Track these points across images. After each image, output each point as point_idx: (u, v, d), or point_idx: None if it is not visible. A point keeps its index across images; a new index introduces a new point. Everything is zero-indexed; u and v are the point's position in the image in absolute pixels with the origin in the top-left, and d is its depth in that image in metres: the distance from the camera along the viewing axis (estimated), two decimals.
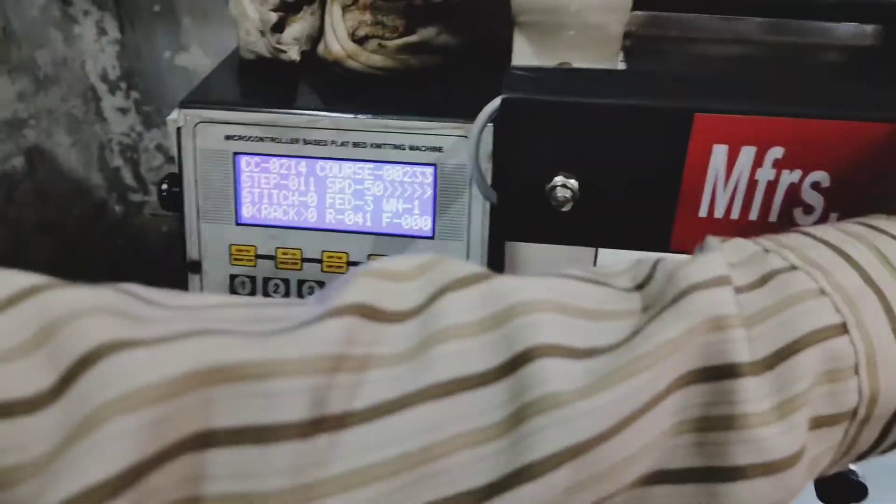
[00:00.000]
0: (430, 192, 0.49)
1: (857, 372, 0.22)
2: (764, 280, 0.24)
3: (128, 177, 1.58)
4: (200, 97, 0.50)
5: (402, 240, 0.50)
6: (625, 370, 0.21)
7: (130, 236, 1.62)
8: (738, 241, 0.26)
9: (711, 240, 0.26)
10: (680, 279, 0.23)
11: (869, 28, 0.45)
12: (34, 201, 1.34)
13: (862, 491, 0.45)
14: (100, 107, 1.49)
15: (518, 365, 0.20)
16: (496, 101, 0.34)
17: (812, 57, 0.45)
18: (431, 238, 0.49)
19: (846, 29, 0.45)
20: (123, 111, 1.49)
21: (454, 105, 0.49)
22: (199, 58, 1.39)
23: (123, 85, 1.46)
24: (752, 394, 0.21)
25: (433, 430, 0.19)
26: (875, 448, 0.25)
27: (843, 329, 0.22)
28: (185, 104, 0.49)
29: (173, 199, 0.52)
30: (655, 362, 0.21)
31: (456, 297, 0.22)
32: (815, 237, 0.26)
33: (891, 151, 0.31)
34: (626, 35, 0.45)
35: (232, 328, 0.20)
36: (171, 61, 1.41)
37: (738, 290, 0.23)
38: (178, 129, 0.49)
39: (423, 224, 0.49)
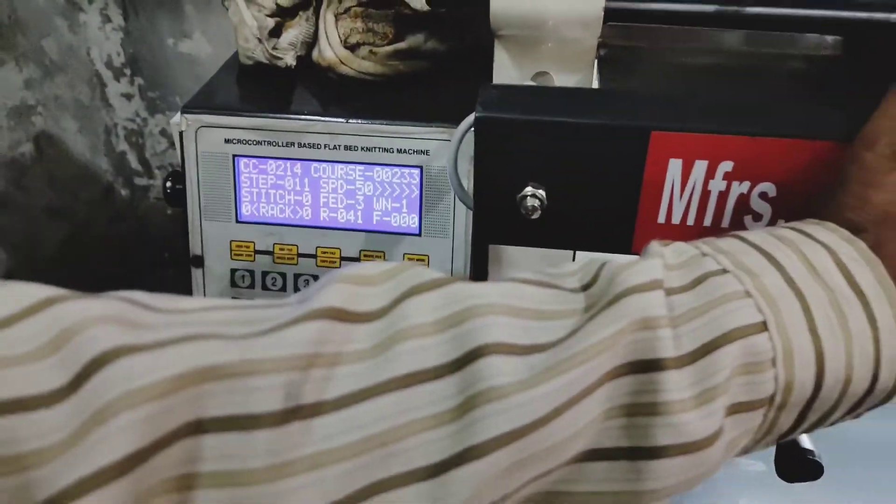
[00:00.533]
0: (416, 192, 0.52)
1: (774, 364, 0.26)
2: (697, 282, 0.27)
3: (133, 161, 1.61)
4: (201, 102, 0.53)
5: (390, 237, 0.53)
6: (561, 365, 0.24)
7: (137, 219, 1.65)
8: (680, 245, 0.29)
9: (654, 245, 0.29)
10: (618, 283, 0.26)
11: (830, 39, 0.48)
12: (43, 186, 1.38)
13: (818, 469, 0.48)
14: (105, 93, 1.51)
15: (468, 361, 0.24)
16: (471, 118, 0.37)
17: (777, 66, 0.48)
18: (418, 235, 0.53)
19: (810, 39, 0.48)
20: (128, 97, 1.52)
21: (440, 110, 0.52)
22: (201, 45, 1.42)
23: (128, 71, 1.49)
24: (675, 384, 0.24)
25: (393, 417, 0.23)
26: (794, 430, 0.28)
27: (763, 327, 0.26)
28: (187, 109, 0.52)
29: (177, 195, 0.55)
30: (589, 358, 0.24)
31: (418, 300, 0.25)
32: (748, 242, 0.29)
33: (827, 166, 0.34)
34: (601, 45, 0.48)
35: (220, 331, 0.23)
36: (174, 48, 1.44)
37: (673, 292, 0.27)
38: (181, 133, 0.52)
39: (410, 222, 0.53)
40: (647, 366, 0.25)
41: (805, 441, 0.49)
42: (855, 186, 0.31)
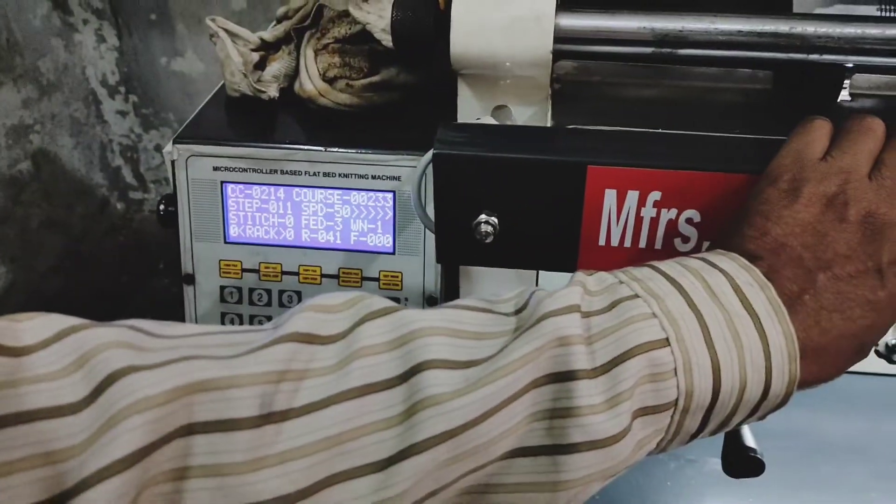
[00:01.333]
0: (390, 214, 0.57)
1: (675, 374, 0.30)
2: (612, 305, 0.32)
3: (128, 176, 1.66)
4: (191, 133, 0.58)
5: (367, 255, 0.57)
6: (490, 377, 0.29)
7: (132, 230, 1.70)
8: (601, 275, 0.34)
9: (578, 274, 0.34)
10: (540, 309, 0.31)
11: (761, 73, 0.52)
12: (41, 201, 1.42)
13: (760, 466, 0.53)
14: (100, 110, 1.56)
15: (412, 374, 0.29)
16: (430, 154, 0.42)
17: (713, 97, 0.53)
18: (392, 254, 0.57)
19: (743, 72, 0.53)
20: (123, 114, 1.57)
21: (411, 139, 0.56)
22: (193, 62, 1.46)
23: (122, 89, 1.53)
24: (587, 392, 0.29)
25: (349, 421, 0.28)
26: (702, 430, 0.33)
27: (665, 343, 0.30)
28: (178, 140, 0.57)
29: (170, 217, 0.60)
30: (514, 370, 0.29)
31: (371, 325, 0.30)
32: (659, 270, 0.34)
33: (742, 195, 0.39)
34: (555, 80, 0.53)
35: (208, 353, 0.29)
36: (167, 66, 1.49)
37: (591, 314, 0.31)
38: (173, 161, 0.57)
39: (385, 242, 0.57)
40: (564, 376, 0.29)
41: (749, 440, 0.54)
42: (756, 218, 0.35)
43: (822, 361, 0.33)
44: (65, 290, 1.49)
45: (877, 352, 0.63)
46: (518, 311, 0.32)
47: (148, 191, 1.67)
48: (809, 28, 0.45)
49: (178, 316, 0.62)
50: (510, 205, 0.42)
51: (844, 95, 0.51)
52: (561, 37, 0.47)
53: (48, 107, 1.41)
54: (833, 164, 0.36)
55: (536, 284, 0.57)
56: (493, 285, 0.58)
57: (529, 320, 0.31)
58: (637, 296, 0.32)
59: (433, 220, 0.44)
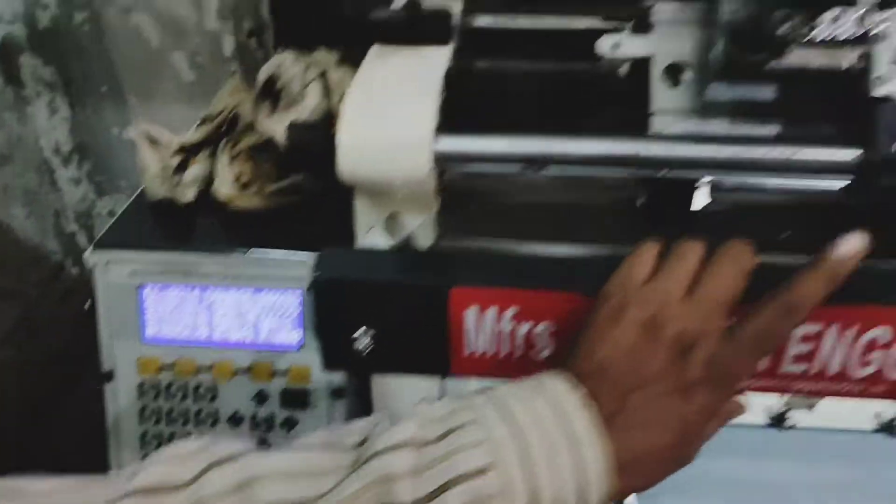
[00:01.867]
0: (298, 310, 0.61)
1: (496, 498, 0.34)
2: (446, 434, 0.36)
3: (83, 241, 1.69)
4: (110, 240, 0.62)
5: (276, 352, 0.61)
6: None
7: (89, 294, 1.72)
8: (437, 406, 0.38)
9: (419, 405, 0.38)
10: (372, 447, 0.35)
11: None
12: None
13: None
14: (54, 178, 1.59)
15: None
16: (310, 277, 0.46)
17: (587, 204, 0.58)
18: (300, 349, 0.61)
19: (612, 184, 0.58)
20: (76, 181, 1.60)
21: (318, 238, 0.60)
22: None
23: (76, 157, 1.57)
24: None
25: None
26: None
27: (488, 469, 0.34)
28: (97, 246, 0.61)
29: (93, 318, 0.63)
30: None
31: (217, 472, 0.34)
32: (494, 398, 0.38)
33: (584, 312, 0.44)
34: (443, 189, 0.57)
35: None
36: (119, 136, 1.52)
37: (426, 444, 0.35)
38: (92, 266, 0.61)
39: (293, 337, 0.61)
40: None
41: None
42: (586, 339, 0.40)
43: (639, 474, 0.37)
44: (17, 358, 1.50)
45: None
46: (361, 444, 0.36)
47: None
48: (661, 149, 0.51)
49: None
50: (384, 322, 0.46)
51: (703, 201, 0.56)
52: (439, 158, 0.51)
53: (1, 178, 1.44)
54: (652, 287, 0.40)
55: None
56: (398, 380, 0.62)
57: (362, 457, 0.35)
58: (471, 423, 0.36)
59: None
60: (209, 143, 0.68)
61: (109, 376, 0.63)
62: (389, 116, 0.52)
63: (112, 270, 0.60)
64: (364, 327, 0.47)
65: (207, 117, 0.70)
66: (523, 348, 0.47)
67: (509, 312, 0.45)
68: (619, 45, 0.58)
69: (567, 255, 0.49)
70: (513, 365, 0.47)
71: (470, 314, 0.46)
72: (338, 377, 0.61)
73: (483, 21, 0.70)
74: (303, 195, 0.65)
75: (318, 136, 0.53)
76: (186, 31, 1.38)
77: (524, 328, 0.46)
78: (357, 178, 0.53)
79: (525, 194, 0.59)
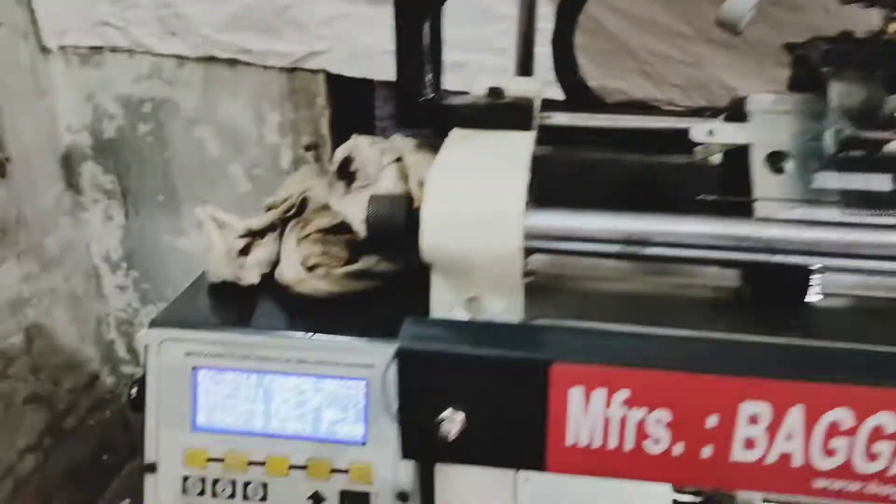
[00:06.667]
0: (363, 402, 0.55)
1: None
2: None
3: (121, 349, 1.65)
4: (167, 318, 0.58)
5: (336, 446, 0.56)
6: None
7: (119, 407, 1.67)
8: None
9: None
10: None
11: (730, 272, 0.53)
12: (28, 375, 1.41)
13: None
14: (100, 284, 1.59)
15: None
16: (394, 350, 0.42)
17: (685, 293, 0.53)
18: (364, 444, 0.55)
19: (712, 271, 0.54)
20: (122, 288, 1.59)
21: (387, 325, 0.56)
22: (196, 241, 1.51)
23: (124, 265, 1.57)
24: None
25: None
26: None
27: None
28: (153, 324, 0.57)
29: (140, 401, 0.59)
30: None
31: None
32: None
33: (715, 396, 0.38)
34: (529, 273, 0.53)
35: None
36: (170, 244, 1.53)
37: None
38: (146, 345, 0.57)
39: (356, 432, 0.56)
40: None
41: None
42: None
43: None
44: (40, 469, 1.43)
45: None
46: None
47: (140, 364, 1.66)
48: (771, 232, 0.46)
49: None
50: (475, 401, 0.41)
51: (814, 295, 0.51)
52: (529, 234, 0.48)
53: (48, 281, 1.43)
54: None
55: (515, 481, 0.55)
56: (470, 483, 0.55)
57: None
58: None
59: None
60: (275, 228, 0.65)
61: (152, 468, 0.57)
62: (477, 190, 0.49)
63: (167, 350, 0.56)
64: (451, 408, 0.42)
65: (273, 204, 0.68)
66: (634, 440, 0.41)
67: (620, 396, 0.40)
68: (713, 133, 0.56)
69: (688, 336, 0.43)
70: (620, 461, 0.41)
71: (573, 396, 0.40)
72: (404, 478, 0.55)
73: (560, 119, 0.69)
74: (374, 280, 0.61)
75: (400, 208, 0.50)
76: (246, 143, 1.41)
77: (637, 415, 0.40)
78: (440, 255, 0.50)
79: (620, 282, 0.54)
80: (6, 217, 1.32)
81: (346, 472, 0.55)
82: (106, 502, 1.57)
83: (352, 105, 1.37)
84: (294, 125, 1.37)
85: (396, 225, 0.49)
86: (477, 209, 0.48)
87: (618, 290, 0.54)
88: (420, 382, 0.41)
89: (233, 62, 1.32)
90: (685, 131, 0.67)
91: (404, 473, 0.55)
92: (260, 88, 1.35)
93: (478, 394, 0.41)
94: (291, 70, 1.31)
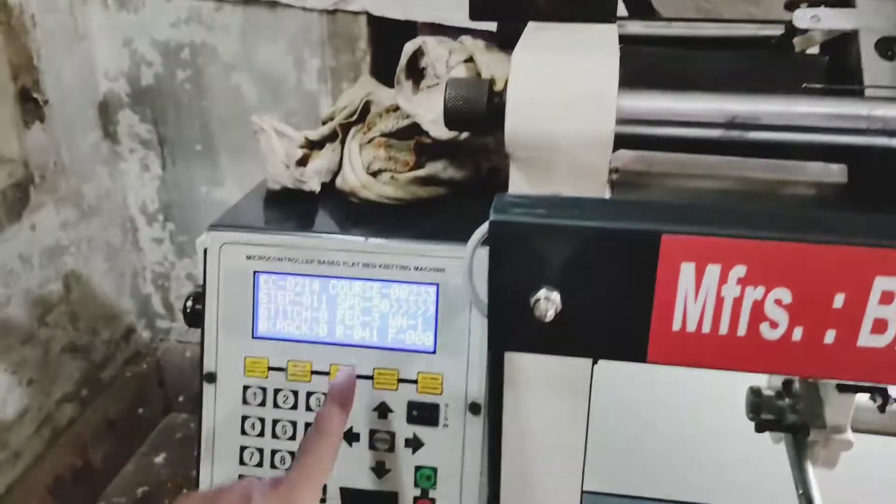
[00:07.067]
0: (432, 309, 0.52)
1: None
2: None
3: (157, 304, 1.64)
4: (227, 221, 0.55)
5: (405, 354, 0.53)
6: None
7: (155, 361, 1.65)
8: None
9: None
10: None
11: (835, 167, 0.49)
12: (66, 324, 1.40)
13: None
14: (136, 237, 1.57)
15: None
16: (485, 225, 0.38)
17: (781, 191, 0.49)
18: (433, 353, 0.52)
19: (815, 166, 0.49)
20: (158, 241, 1.57)
21: (456, 230, 0.53)
22: (232, 192, 1.48)
23: (161, 217, 1.55)
24: None
25: None
26: None
27: None
28: (212, 227, 0.54)
29: (196, 315, 0.56)
30: None
31: None
32: None
33: (843, 270, 0.34)
34: (613, 170, 0.50)
35: None
36: (207, 195, 1.51)
37: None
38: (205, 249, 0.54)
39: (425, 340, 0.52)
40: None
41: None
42: None
43: None
44: (77, 419, 1.42)
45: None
46: None
47: (175, 319, 1.64)
48: (892, 111, 0.42)
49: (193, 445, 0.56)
50: (573, 280, 0.38)
51: None
52: (623, 118, 0.44)
53: (86, 230, 1.42)
54: None
55: (591, 386, 0.52)
56: (539, 393, 0.52)
57: None
58: None
59: (485, 300, 0.40)
60: (334, 138, 0.62)
61: (211, 377, 0.54)
62: (568, 68, 0.45)
63: (227, 254, 0.53)
64: (546, 288, 0.38)
65: (331, 116, 0.64)
66: (750, 324, 0.37)
67: (737, 272, 0.36)
68: (818, 18, 0.51)
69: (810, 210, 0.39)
70: (731, 348, 0.38)
71: (685, 273, 0.37)
72: (475, 389, 0.52)
73: (634, 28, 0.65)
74: (441, 186, 0.58)
75: (482, 90, 0.46)
76: (285, 90, 1.38)
77: (754, 295, 0.37)
78: (524, 140, 0.46)
79: (710, 181, 0.50)
80: (45, 162, 1.30)
81: (414, 382, 0.52)
82: (141, 456, 1.57)
83: (394, 50, 1.33)
84: (334, 72, 1.34)
85: (478, 108, 0.46)
86: (568, 87, 0.44)
87: (708, 187, 0.50)
88: (514, 260, 0.38)
89: (272, 4, 1.29)
90: (770, 38, 0.63)
91: (476, 383, 0.52)
92: (299, 32, 1.32)
93: (576, 272, 0.38)
94: (332, 12, 1.28)
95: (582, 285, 0.38)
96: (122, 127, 1.48)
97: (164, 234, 1.56)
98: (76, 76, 1.37)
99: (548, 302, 0.38)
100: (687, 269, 0.37)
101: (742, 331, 0.37)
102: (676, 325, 0.38)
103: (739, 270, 0.36)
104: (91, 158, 1.42)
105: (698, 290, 0.37)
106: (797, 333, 0.37)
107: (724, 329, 0.37)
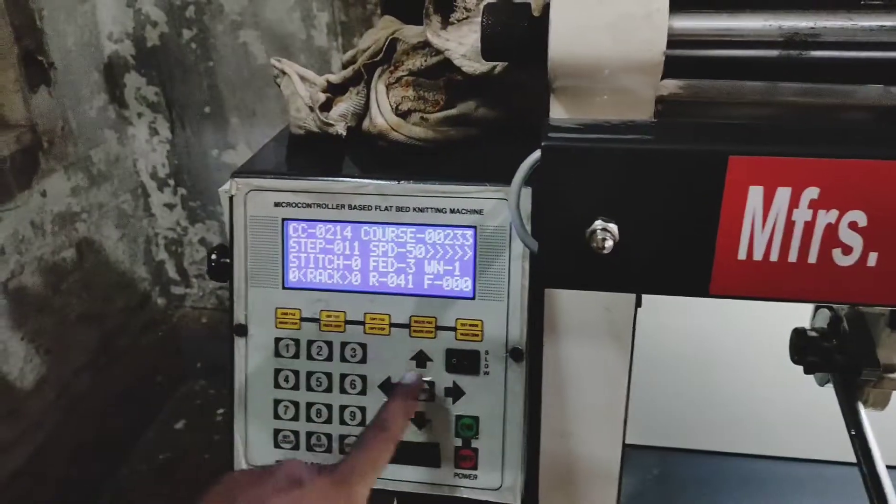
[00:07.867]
0: (470, 253, 0.50)
1: None
2: None
3: (171, 270, 1.63)
4: (252, 168, 0.53)
5: (442, 301, 0.51)
6: None
7: (170, 328, 1.64)
8: None
9: None
10: None
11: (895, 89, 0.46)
12: (81, 291, 1.38)
13: None
14: (148, 202, 1.55)
15: None
16: (537, 152, 0.36)
17: (839, 115, 0.47)
18: (472, 299, 0.50)
19: (873, 91, 0.47)
20: (170, 206, 1.55)
21: (492, 171, 0.51)
22: (244, 154, 1.46)
23: (172, 182, 1.52)
24: None
25: None
26: None
27: None
28: (237, 174, 0.52)
29: (221, 268, 0.54)
30: None
31: None
32: None
33: None
34: (659, 100, 0.47)
35: None
36: (218, 158, 1.48)
37: None
38: (231, 197, 0.52)
39: (463, 285, 0.50)
40: None
41: None
42: None
43: None
44: (95, 388, 1.42)
45: None
46: None
47: (190, 286, 1.63)
48: None
49: (219, 404, 0.54)
50: (632, 208, 0.35)
51: None
52: (674, 39, 0.41)
53: (97, 196, 1.40)
54: None
55: (634, 328, 0.50)
56: (581, 340, 0.50)
57: None
58: None
59: (532, 234, 0.38)
60: (357, 81, 0.59)
61: (242, 330, 0.52)
62: None
63: (254, 202, 0.51)
64: (602, 219, 0.36)
65: (352, 58, 0.62)
66: (822, 251, 0.35)
67: (809, 194, 0.34)
68: None
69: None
70: (801, 277, 0.36)
71: (753, 197, 0.34)
72: (517, 334, 0.50)
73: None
74: (474, 126, 0.55)
75: (523, 14, 0.43)
76: (294, 47, 1.34)
77: (827, 219, 0.34)
78: (569, 67, 0.43)
79: (761, 108, 0.48)
80: (52, 127, 1.28)
81: (452, 329, 0.51)
82: (161, 423, 1.57)
83: (407, 3, 1.29)
84: (345, 26, 1.30)
85: (519, 32, 0.43)
86: (614, 8, 0.41)
87: (761, 114, 0.48)
88: (567, 189, 0.36)
89: None
90: None
91: (517, 329, 0.50)
92: None
93: (636, 200, 0.35)
94: None
95: (641, 214, 0.35)
96: (129, 90, 1.45)
97: (175, 199, 1.54)
98: (80, 38, 1.34)
99: (605, 233, 0.35)
100: (755, 193, 0.34)
101: (813, 258, 0.35)
102: (742, 254, 0.36)
103: (812, 192, 0.34)
104: (99, 123, 1.39)
105: (766, 216, 0.35)
106: (872, 259, 0.35)
107: (793, 256, 0.35)
